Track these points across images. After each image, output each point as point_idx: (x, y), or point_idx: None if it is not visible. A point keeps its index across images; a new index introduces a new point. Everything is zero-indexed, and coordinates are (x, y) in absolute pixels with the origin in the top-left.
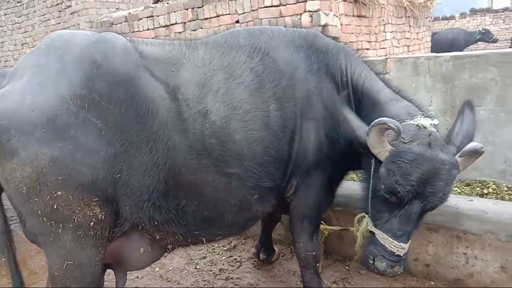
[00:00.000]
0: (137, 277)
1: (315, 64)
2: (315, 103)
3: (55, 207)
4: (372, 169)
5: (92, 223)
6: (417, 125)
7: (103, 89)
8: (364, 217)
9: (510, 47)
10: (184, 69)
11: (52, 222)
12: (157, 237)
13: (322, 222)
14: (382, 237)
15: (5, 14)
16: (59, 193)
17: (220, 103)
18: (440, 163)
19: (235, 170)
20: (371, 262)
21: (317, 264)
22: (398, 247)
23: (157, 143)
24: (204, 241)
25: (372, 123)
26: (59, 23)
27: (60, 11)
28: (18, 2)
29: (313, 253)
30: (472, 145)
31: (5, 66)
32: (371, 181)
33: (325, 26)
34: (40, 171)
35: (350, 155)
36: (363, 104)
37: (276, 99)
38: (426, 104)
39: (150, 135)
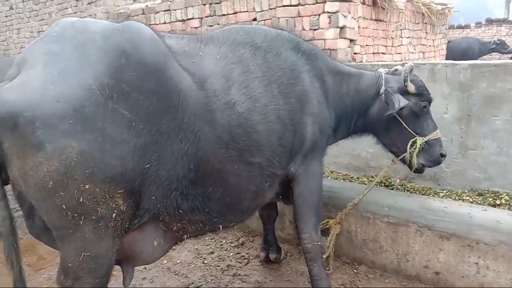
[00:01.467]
0: (145, 268)
1: (306, 65)
2: (311, 100)
3: (80, 200)
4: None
5: (114, 214)
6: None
7: (133, 79)
8: (415, 142)
9: None
10: (204, 61)
11: (75, 214)
12: (175, 228)
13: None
14: (435, 133)
15: (23, 1)
16: (86, 186)
17: (244, 95)
18: None
19: (258, 159)
20: (440, 157)
21: (323, 256)
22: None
23: (187, 133)
24: (220, 228)
25: (405, 69)
26: (76, 12)
27: (77, 0)
28: None
29: (319, 243)
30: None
31: (19, 53)
32: (402, 120)
33: (342, 28)
34: (68, 165)
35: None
36: (342, 83)
37: (283, 94)
38: (441, 112)
39: (180, 125)
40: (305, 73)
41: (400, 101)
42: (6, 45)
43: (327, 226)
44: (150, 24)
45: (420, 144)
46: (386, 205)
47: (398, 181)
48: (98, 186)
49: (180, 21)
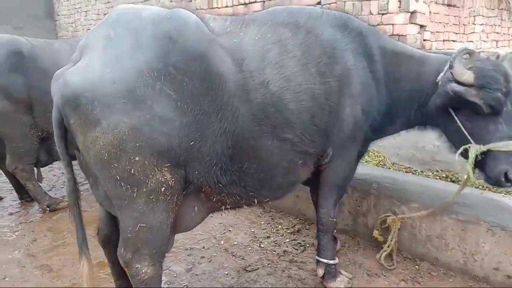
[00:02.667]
0: (203, 247)
1: (351, 43)
2: (352, 80)
3: (132, 172)
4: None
5: (163, 188)
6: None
7: (179, 63)
8: (468, 148)
9: None
10: (244, 42)
11: (128, 186)
12: (214, 199)
13: (391, 214)
14: (504, 144)
15: None
16: (136, 158)
17: (278, 75)
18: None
19: (289, 135)
20: (503, 178)
21: (334, 231)
22: None
23: (226, 113)
24: (255, 202)
25: (455, 54)
26: None
27: None
28: None
29: (334, 219)
30: None
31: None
32: (457, 118)
33: (413, 12)
34: (120, 138)
35: (381, 128)
36: (401, 65)
37: (320, 74)
38: None
39: (220, 106)
40: (348, 52)
41: (445, 93)
42: (75, 27)
43: (385, 220)
44: (212, 8)
45: (475, 153)
46: (455, 201)
47: (465, 177)
48: (147, 159)
49: (243, 4)
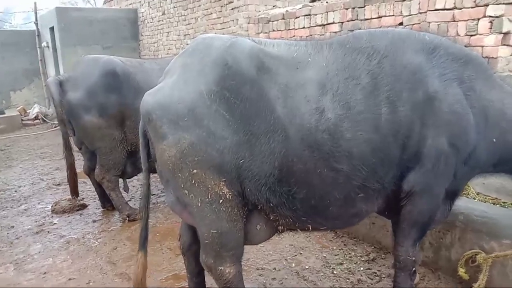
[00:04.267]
0: (275, 268)
1: (437, 68)
2: (436, 108)
3: (193, 182)
4: None
5: (222, 200)
6: None
7: (232, 87)
8: None
9: None
10: (308, 68)
11: (193, 195)
12: (271, 218)
13: (479, 250)
14: None
15: (174, 7)
16: (195, 171)
17: (337, 102)
18: None
19: (343, 166)
20: None
21: (413, 269)
22: None
23: (274, 134)
24: (310, 228)
25: None
26: (219, 17)
27: (222, 6)
28: None
29: (413, 258)
30: None
31: (167, 54)
32: None
33: (506, 34)
34: (182, 152)
35: (481, 163)
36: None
37: (390, 102)
38: None
39: (268, 128)
40: (433, 77)
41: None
42: (156, 47)
43: (471, 257)
44: (289, 29)
45: None
46: None
47: None
48: (205, 172)
49: (320, 25)
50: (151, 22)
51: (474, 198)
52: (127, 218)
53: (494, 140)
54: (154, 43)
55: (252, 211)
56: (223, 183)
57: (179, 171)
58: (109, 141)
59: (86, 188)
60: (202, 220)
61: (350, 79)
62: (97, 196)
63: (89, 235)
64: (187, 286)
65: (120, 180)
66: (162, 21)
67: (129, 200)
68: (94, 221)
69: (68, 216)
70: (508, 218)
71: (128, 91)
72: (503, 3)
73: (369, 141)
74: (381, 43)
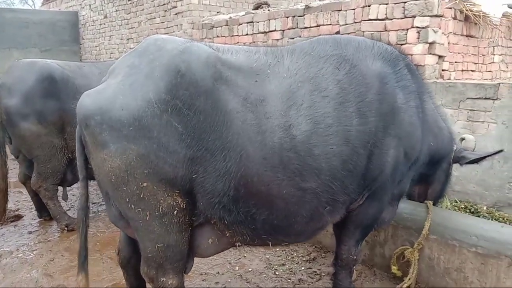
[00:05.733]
0: (218, 272)
1: (403, 81)
2: (400, 120)
3: (142, 196)
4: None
5: (176, 211)
6: None
7: (185, 97)
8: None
9: None
10: (268, 80)
11: (139, 209)
12: (227, 234)
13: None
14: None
15: (116, 11)
16: (145, 184)
17: (303, 117)
18: None
19: (311, 184)
20: None
21: (354, 267)
22: None
23: (230, 152)
24: (270, 245)
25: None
26: (163, 22)
27: (165, 11)
28: (128, 0)
29: (355, 257)
30: None
31: (109, 57)
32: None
33: (432, 43)
34: (128, 164)
35: (422, 173)
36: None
37: (360, 113)
38: None
39: (224, 144)
40: (399, 89)
41: None
42: (98, 50)
43: (402, 253)
44: (233, 35)
45: None
46: (475, 234)
47: (485, 208)
48: (156, 185)
49: (262, 33)
50: (92, 25)
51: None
52: (66, 228)
53: (432, 144)
54: (96, 46)
55: (204, 224)
56: (177, 194)
57: (124, 184)
58: (48, 149)
59: (22, 198)
60: (148, 235)
61: (316, 91)
62: (33, 206)
63: (24, 247)
64: None
65: (60, 188)
66: (104, 24)
67: (68, 210)
68: (30, 232)
69: (1, 228)
70: (434, 214)
71: (67, 96)
72: (428, 15)
73: (340, 154)
74: (348, 51)
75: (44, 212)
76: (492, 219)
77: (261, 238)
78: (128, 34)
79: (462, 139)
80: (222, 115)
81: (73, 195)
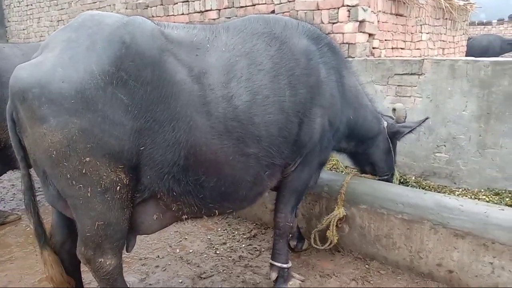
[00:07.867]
0: (158, 256)
1: (324, 57)
2: (324, 92)
3: (83, 171)
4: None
5: (118, 187)
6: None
7: (131, 68)
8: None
9: None
10: (209, 54)
11: (81, 185)
12: (173, 207)
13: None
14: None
15: None
16: (87, 159)
17: (243, 88)
18: None
19: (253, 150)
20: None
21: (290, 235)
22: None
23: (179, 123)
24: (216, 213)
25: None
26: (95, 2)
27: None
28: None
29: (291, 224)
30: None
31: (40, 40)
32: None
33: (362, 22)
34: (70, 138)
35: (344, 140)
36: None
37: (291, 86)
38: (460, 109)
39: (173, 115)
40: (322, 65)
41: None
42: (27, 33)
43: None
44: (168, 15)
45: None
46: (401, 201)
47: (413, 178)
48: (99, 160)
49: (198, 12)
50: (18, 7)
51: (342, 171)
52: None
53: (351, 117)
54: (23, 29)
55: (148, 200)
56: (121, 169)
57: (65, 160)
58: None
59: None
60: (87, 213)
61: (253, 65)
62: None
63: None
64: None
65: None
66: (32, 5)
67: None
68: None
69: None
70: (363, 185)
71: None
72: None
73: (276, 122)
74: (277, 29)
75: None
76: (419, 188)
77: (208, 207)
78: (59, 16)
79: (394, 109)
80: (170, 86)
81: (3, 188)
